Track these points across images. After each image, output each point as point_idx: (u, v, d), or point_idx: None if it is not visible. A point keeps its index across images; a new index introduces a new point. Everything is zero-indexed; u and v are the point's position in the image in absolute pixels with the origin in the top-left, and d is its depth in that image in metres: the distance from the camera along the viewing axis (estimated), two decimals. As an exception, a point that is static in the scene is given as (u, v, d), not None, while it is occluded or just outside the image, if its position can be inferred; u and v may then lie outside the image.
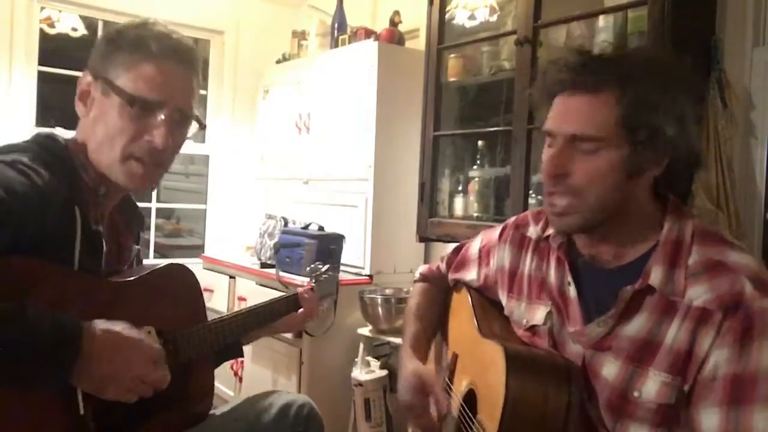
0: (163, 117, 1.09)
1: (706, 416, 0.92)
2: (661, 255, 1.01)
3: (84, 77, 1.13)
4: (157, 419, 1.14)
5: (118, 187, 1.13)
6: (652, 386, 0.97)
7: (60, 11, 3.33)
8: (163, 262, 1.24)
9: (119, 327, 0.98)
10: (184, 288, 1.27)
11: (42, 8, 3.23)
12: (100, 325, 0.95)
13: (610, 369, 1.02)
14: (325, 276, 1.67)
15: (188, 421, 1.24)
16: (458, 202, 2.44)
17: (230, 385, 2.96)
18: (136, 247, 1.29)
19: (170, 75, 1.11)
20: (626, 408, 1.00)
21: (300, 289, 1.57)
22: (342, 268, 2.71)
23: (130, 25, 1.13)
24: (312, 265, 1.68)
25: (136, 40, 1.10)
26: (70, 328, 0.91)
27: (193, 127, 1.19)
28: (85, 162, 1.10)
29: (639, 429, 0.99)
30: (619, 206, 1.03)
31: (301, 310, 1.56)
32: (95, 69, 1.11)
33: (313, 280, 1.64)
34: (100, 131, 1.10)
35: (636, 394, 0.98)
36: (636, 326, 1.00)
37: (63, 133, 1.14)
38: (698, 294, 0.96)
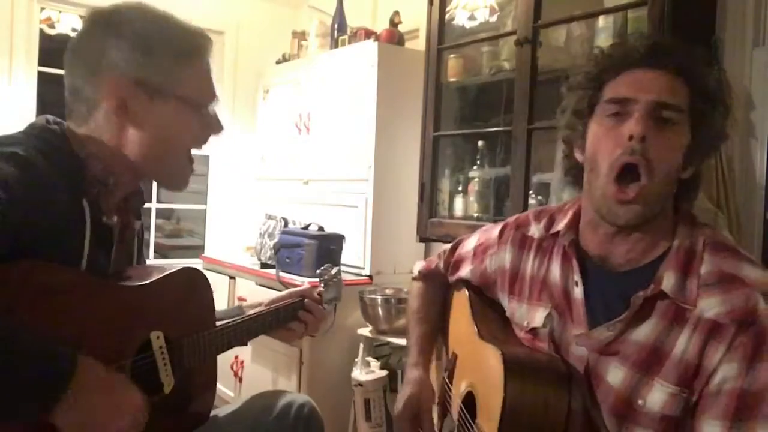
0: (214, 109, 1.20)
1: (708, 428, 0.91)
2: (674, 261, 0.99)
3: (116, 87, 1.05)
4: (157, 422, 1.10)
5: (129, 178, 1.12)
6: (657, 396, 0.96)
7: (60, 11, 3.33)
8: (167, 263, 1.22)
9: (113, 376, 0.95)
10: (196, 293, 1.25)
11: (42, 8, 3.24)
12: (94, 366, 0.91)
13: (615, 375, 1.00)
14: (335, 279, 1.64)
15: (189, 422, 1.23)
16: (458, 202, 2.44)
17: (230, 386, 2.96)
18: (138, 222, 1.26)
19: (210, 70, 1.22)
20: (630, 414, 0.98)
21: (306, 301, 1.51)
22: (342, 268, 2.69)
23: (145, 20, 1.08)
24: (322, 267, 1.65)
25: (179, 41, 1.13)
26: (62, 362, 0.86)
27: None
28: (94, 153, 1.06)
29: None
30: (666, 199, 1.02)
31: (302, 322, 1.48)
32: (130, 76, 1.05)
33: (322, 283, 1.61)
34: (158, 137, 1.10)
35: (641, 402, 0.97)
36: (644, 332, 0.99)
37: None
38: (710, 306, 0.94)
